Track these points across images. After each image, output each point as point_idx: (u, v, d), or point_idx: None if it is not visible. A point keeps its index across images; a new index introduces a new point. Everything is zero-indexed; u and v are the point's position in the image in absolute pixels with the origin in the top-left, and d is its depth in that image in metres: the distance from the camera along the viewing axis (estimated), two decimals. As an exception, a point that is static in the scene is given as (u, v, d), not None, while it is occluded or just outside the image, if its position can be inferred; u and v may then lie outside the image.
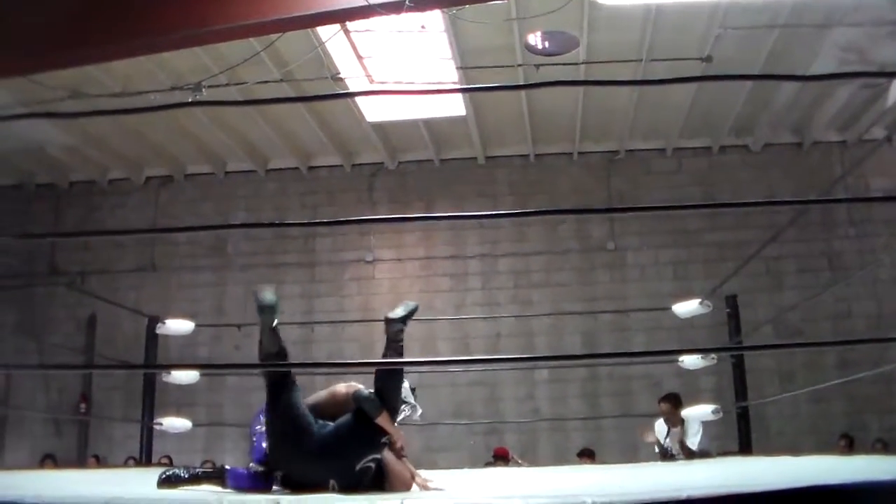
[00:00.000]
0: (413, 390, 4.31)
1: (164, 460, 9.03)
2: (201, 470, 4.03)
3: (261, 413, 4.08)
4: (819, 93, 10.13)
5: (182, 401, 9.08)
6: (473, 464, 9.25)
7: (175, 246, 11.69)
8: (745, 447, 6.94)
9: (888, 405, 10.60)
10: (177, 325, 7.66)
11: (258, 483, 3.84)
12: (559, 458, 9.78)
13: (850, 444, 9.38)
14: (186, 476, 3.78)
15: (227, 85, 8.35)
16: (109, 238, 11.84)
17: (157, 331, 7.56)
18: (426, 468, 4.30)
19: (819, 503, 2.05)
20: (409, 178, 11.59)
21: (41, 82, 8.19)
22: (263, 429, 3.99)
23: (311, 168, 11.74)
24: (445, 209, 11.15)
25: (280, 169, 11.79)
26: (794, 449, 6.20)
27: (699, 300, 6.85)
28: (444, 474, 4.75)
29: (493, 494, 2.35)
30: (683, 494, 2.06)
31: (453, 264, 11.22)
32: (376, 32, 7.84)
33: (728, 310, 7.46)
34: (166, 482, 3.72)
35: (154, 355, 7.69)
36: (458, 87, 8.94)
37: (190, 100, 7.79)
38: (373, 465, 3.78)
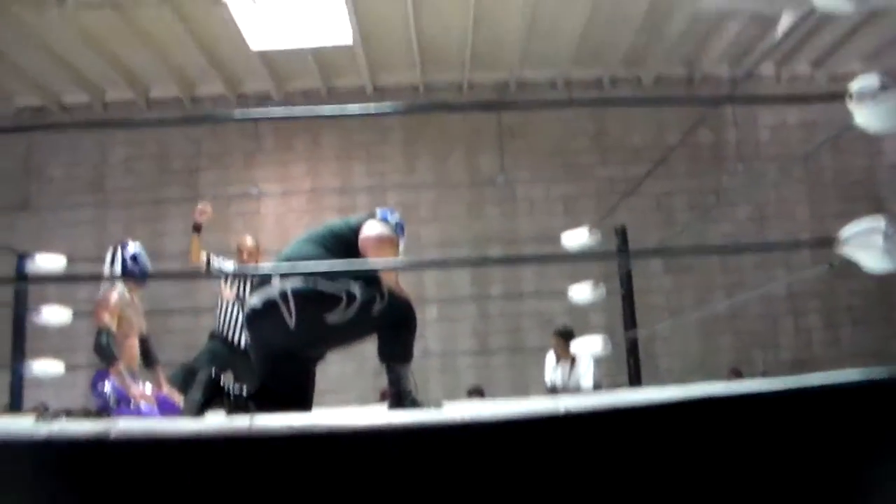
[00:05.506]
0: None
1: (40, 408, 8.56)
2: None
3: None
4: (710, 25, 10.16)
5: (61, 346, 8.57)
6: (362, 404, 9.05)
7: (50, 183, 11.10)
8: (635, 382, 6.81)
9: (773, 341, 10.83)
10: (48, 261, 7.20)
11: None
12: (450, 397, 9.62)
13: (738, 378, 9.46)
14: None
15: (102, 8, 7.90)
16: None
17: (27, 268, 7.10)
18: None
19: (702, 413, 2.00)
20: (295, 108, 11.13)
21: None
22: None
23: (194, 99, 11.21)
24: (332, 141, 10.85)
25: (162, 99, 11.21)
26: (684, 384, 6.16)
27: (588, 228, 6.68)
28: (340, 413, 4.54)
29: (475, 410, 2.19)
30: (561, 408, 1.98)
31: (340, 198, 10.85)
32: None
33: (618, 241, 7.28)
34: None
35: (24, 295, 7.21)
36: None
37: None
38: None
